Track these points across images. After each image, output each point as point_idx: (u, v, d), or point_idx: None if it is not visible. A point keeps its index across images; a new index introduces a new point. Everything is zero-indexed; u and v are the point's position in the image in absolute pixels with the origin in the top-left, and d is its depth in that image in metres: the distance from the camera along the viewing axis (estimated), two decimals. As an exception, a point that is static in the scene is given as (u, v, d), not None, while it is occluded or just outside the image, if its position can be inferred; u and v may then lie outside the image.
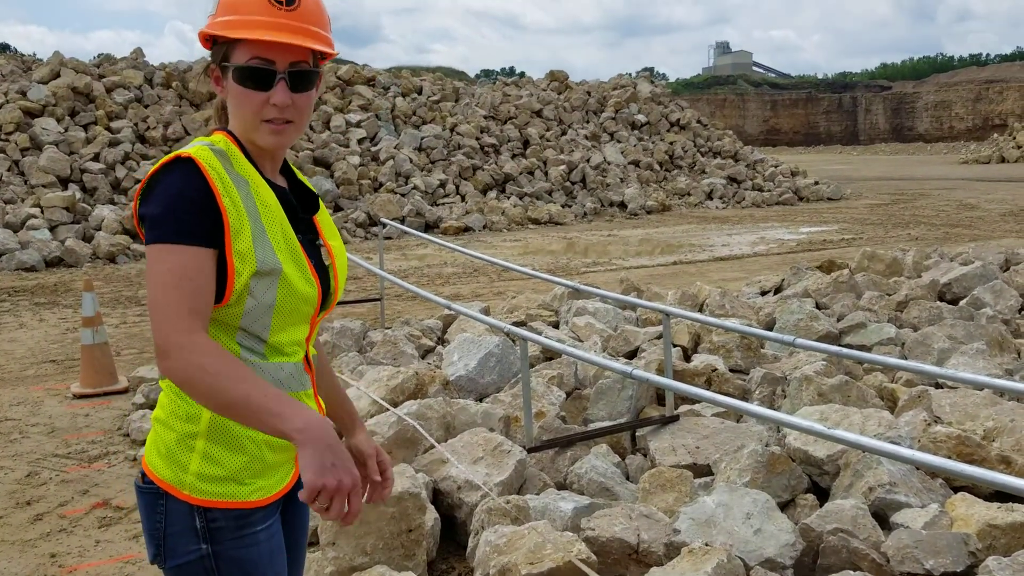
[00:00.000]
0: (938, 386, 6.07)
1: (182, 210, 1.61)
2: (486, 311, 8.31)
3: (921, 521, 3.66)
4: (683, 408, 5.36)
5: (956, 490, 4.27)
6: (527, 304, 8.91)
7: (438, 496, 4.29)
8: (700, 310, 8.12)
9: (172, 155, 1.66)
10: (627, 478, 4.68)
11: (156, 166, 1.67)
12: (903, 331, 7.01)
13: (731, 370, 6.31)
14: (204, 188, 1.63)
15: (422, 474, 4.25)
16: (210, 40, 1.75)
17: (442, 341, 7.84)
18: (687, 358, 6.58)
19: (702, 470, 4.59)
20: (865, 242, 16.38)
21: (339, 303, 10.17)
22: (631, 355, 6.70)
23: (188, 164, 1.65)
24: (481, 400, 5.79)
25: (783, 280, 9.74)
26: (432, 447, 4.56)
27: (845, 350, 5.16)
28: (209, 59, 1.77)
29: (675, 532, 3.45)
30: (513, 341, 6.28)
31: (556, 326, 8.01)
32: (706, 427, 4.91)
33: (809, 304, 7.68)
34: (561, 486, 4.55)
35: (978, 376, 5.12)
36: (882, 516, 3.90)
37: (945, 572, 3.31)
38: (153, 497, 1.74)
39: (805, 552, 3.54)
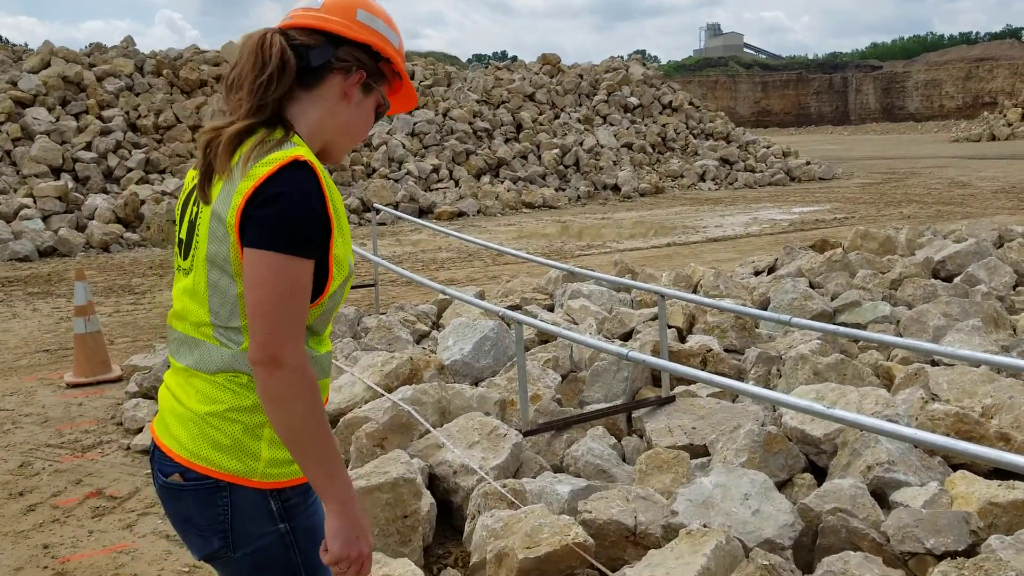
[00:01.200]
0: (934, 364, 6.06)
1: (305, 221, 1.62)
2: (481, 295, 8.27)
3: (921, 500, 3.64)
4: (679, 389, 5.34)
5: (955, 468, 4.26)
6: (522, 288, 8.87)
7: (434, 481, 4.27)
8: (694, 291, 8.09)
9: (288, 157, 1.63)
10: (623, 460, 4.66)
11: (273, 166, 1.62)
12: (898, 309, 6.99)
13: (726, 350, 6.28)
14: (321, 196, 1.64)
15: (417, 459, 4.22)
16: (364, 48, 1.79)
17: (437, 326, 7.81)
18: (682, 339, 6.56)
19: (699, 451, 4.57)
20: (857, 221, 16.34)
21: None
22: (626, 337, 6.67)
23: (307, 170, 1.64)
24: (476, 384, 5.77)
25: (776, 260, 9.71)
26: (427, 432, 4.53)
27: (841, 328, 5.14)
28: (352, 56, 1.78)
29: (673, 514, 3.43)
30: (508, 325, 6.25)
31: (551, 309, 7.98)
32: (702, 408, 4.88)
33: (803, 283, 7.66)
34: (558, 469, 4.52)
35: (975, 352, 5.11)
36: (881, 495, 3.89)
37: (946, 551, 3.29)
38: (210, 491, 1.72)
39: (804, 532, 3.52)
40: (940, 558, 3.33)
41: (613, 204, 22.38)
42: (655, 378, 5.81)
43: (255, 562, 1.75)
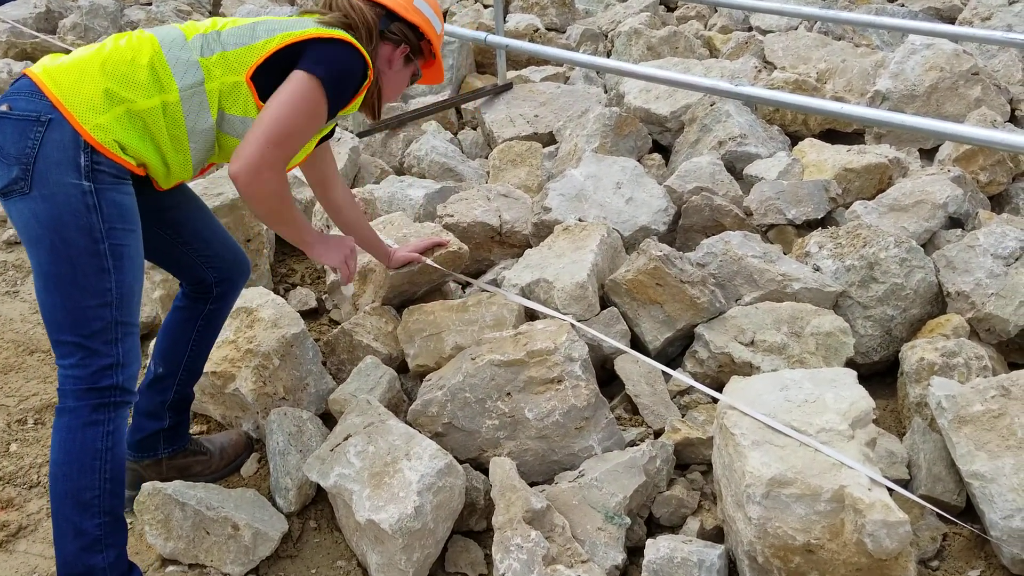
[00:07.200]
0: (749, 30, 6.02)
1: (345, 89, 2.02)
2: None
3: (775, 171, 3.63)
4: (511, 74, 4.99)
5: (791, 137, 4.30)
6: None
7: (263, 196, 3.82)
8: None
9: (350, 40, 2.00)
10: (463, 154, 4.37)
11: (339, 36, 1.99)
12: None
13: (548, 29, 5.92)
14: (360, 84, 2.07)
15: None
16: (412, 28, 2.17)
17: (218, 13, 6.84)
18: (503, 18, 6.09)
19: (544, 139, 4.34)
20: None
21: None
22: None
23: (363, 60, 2.03)
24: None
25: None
26: (246, 142, 3.99)
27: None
28: (401, 32, 2.16)
29: (545, 210, 3.22)
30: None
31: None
32: (542, 93, 4.59)
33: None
34: (399, 171, 4.18)
35: (799, 8, 4.98)
36: (732, 169, 3.85)
37: (807, 220, 3.33)
38: (29, 123, 1.81)
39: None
40: (799, 227, 3.39)
41: None
42: (477, 65, 5.42)
43: (53, 211, 1.80)
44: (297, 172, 3.53)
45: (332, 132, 2.40)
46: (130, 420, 2.41)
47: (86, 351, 1.85)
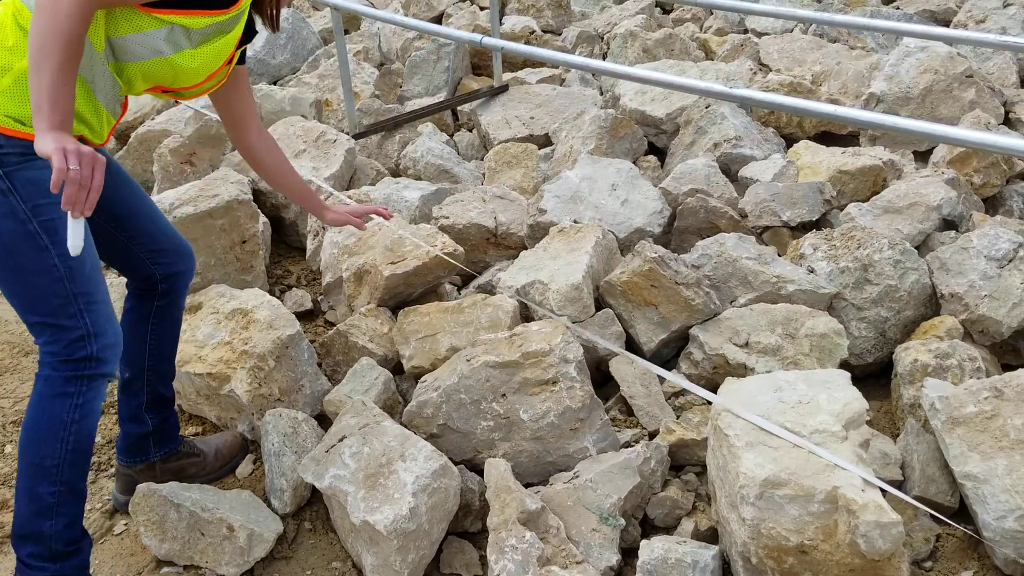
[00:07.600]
0: (745, 32, 6.03)
1: None
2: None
3: (770, 173, 3.64)
4: (506, 76, 4.99)
5: (786, 139, 4.31)
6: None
7: (259, 197, 3.81)
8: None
9: None
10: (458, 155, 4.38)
11: None
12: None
13: (543, 31, 5.93)
14: None
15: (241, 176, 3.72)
16: None
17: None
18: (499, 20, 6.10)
19: (540, 141, 4.34)
20: None
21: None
22: (436, 21, 6.12)
23: None
24: (275, 83, 5.15)
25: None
26: (242, 143, 3.98)
27: None
28: None
29: (541, 212, 3.23)
30: (315, 8, 5.51)
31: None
32: (538, 95, 4.59)
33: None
34: (395, 173, 4.18)
35: (794, 10, 5.00)
36: (727, 171, 3.86)
37: (802, 222, 3.34)
38: None
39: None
40: (794, 229, 3.40)
41: None
42: (474, 67, 5.42)
43: None
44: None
45: (244, 50, 2.16)
46: (118, 426, 2.41)
47: (54, 328, 1.87)
